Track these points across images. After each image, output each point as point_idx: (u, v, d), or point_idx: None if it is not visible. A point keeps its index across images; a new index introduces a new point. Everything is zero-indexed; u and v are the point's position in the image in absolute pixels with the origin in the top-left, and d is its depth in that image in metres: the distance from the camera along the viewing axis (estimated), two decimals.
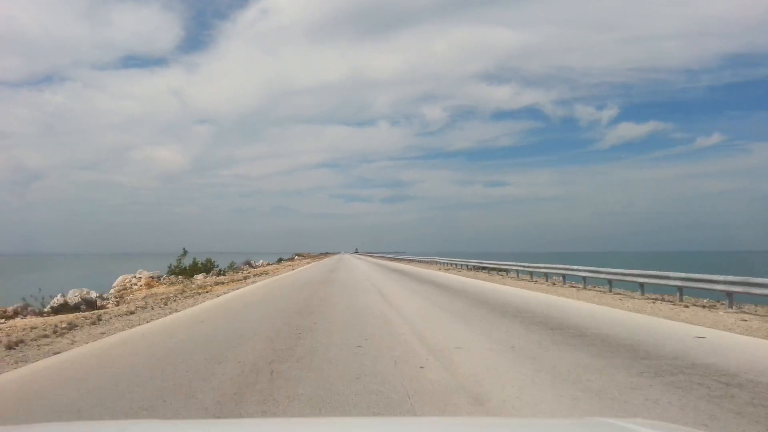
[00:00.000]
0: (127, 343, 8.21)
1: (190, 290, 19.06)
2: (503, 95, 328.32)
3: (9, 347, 7.56)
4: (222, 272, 34.43)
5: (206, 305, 14.03)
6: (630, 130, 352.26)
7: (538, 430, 1.96)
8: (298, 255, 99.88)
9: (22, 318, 11.87)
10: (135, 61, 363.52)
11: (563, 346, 7.47)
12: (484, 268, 33.13)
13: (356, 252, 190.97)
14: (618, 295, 15.73)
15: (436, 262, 48.30)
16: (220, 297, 16.43)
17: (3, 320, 11.33)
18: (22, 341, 8.05)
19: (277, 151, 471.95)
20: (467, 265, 36.60)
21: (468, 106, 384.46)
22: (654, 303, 13.54)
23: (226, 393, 5.08)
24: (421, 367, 6.04)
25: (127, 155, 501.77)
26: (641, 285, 15.40)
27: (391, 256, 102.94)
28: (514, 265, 27.59)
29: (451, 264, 41.79)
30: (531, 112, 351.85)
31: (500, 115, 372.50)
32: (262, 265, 50.79)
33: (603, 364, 6.29)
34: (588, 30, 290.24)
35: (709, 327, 9.40)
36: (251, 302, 14.70)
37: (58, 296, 14.63)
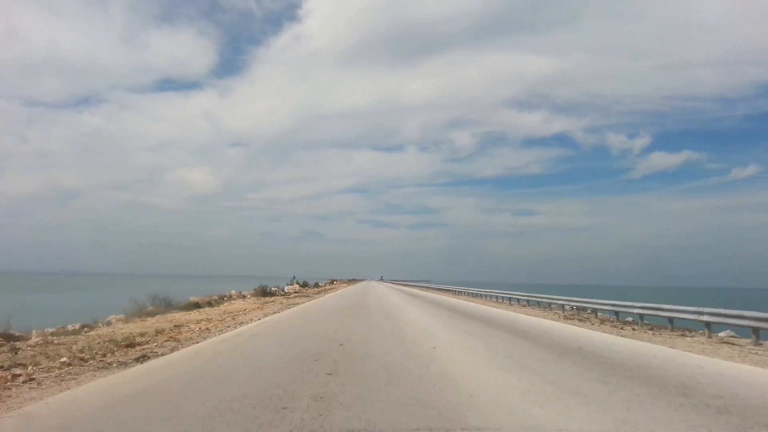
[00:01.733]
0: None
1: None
2: (533, 122, 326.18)
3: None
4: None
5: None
6: (663, 159, 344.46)
7: None
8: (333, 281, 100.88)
9: None
10: (170, 85, 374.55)
11: None
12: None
13: (381, 279, 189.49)
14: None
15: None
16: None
17: None
18: None
19: (306, 175, 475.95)
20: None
21: (497, 133, 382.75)
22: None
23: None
24: None
25: (160, 177, 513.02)
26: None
27: (420, 284, 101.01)
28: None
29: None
30: (561, 139, 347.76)
31: (530, 142, 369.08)
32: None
33: None
34: (621, 57, 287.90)
35: None
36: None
37: None
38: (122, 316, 19.72)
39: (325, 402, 5.91)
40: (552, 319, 20.20)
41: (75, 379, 7.44)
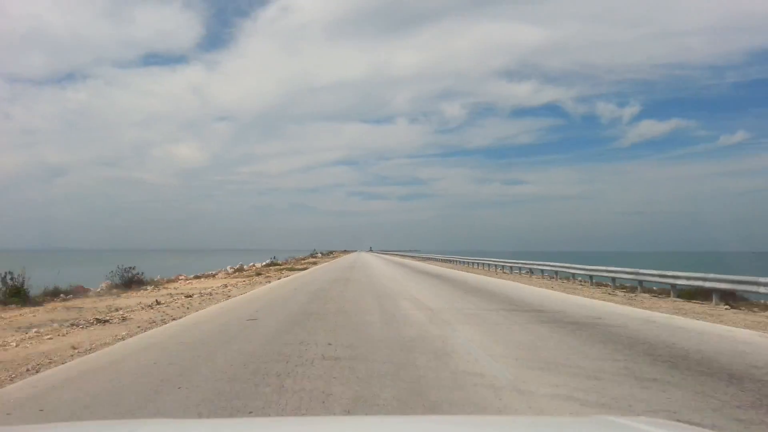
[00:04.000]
0: None
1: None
2: (523, 92, 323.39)
3: None
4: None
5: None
6: (652, 127, 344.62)
7: (541, 428, 1.95)
8: (322, 254, 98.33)
9: None
10: (156, 59, 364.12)
11: None
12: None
13: (370, 250, 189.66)
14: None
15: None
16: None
17: None
18: None
19: (295, 148, 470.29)
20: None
21: (487, 104, 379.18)
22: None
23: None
24: None
25: (147, 152, 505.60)
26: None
27: (408, 254, 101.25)
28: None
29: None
30: (551, 109, 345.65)
31: (520, 112, 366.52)
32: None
33: None
34: (612, 26, 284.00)
35: None
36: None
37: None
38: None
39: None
40: (506, 279, 24.25)
41: None
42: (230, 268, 37.59)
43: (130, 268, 21.99)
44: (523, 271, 29.56)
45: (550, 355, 6.80)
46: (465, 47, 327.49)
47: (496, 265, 33.82)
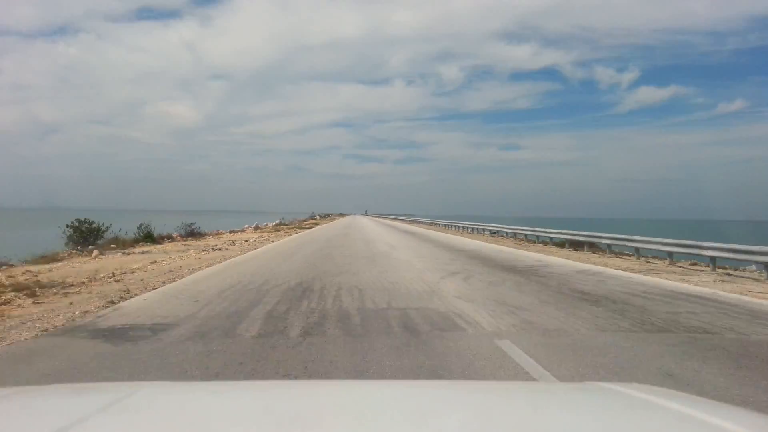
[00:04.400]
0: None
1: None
2: (522, 55, 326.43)
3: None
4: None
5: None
6: (650, 94, 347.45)
7: (534, 393, 1.92)
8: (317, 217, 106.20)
9: None
10: (149, 13, 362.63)
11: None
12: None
13: (366, 214, 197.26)
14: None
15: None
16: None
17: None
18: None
19: (291, 109, 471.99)
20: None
21: (485, 66, 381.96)
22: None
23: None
24: None
25: (141, 110, 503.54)
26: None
27: (401, 218, 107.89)
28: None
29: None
30: (549, 73, 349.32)
31: (518, 76, 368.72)
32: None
33: None
34: None
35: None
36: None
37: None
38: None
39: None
40: (471, 239, 29.31)
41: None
42: (247, 227, 46.39)
43: (192, 223, 31.37)
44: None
45: (428, 252, 16.23)
46: (463, 7, 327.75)
47: (472, 228, 37.79)
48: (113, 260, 16.04)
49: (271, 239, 28.01)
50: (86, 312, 7.40)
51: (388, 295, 8.72)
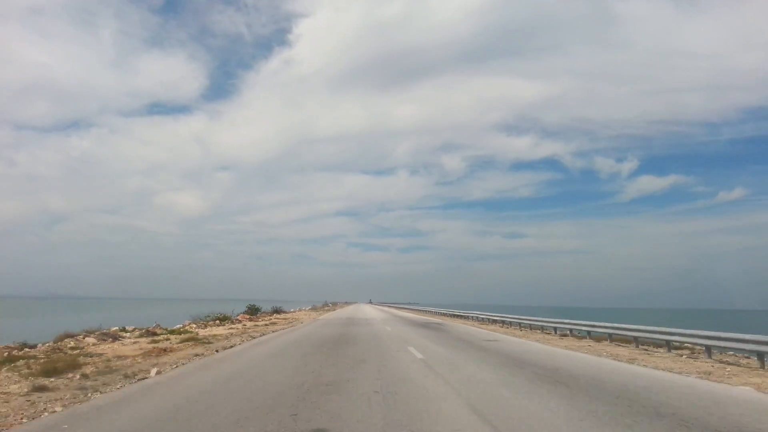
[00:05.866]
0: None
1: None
2: (522, 146, 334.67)
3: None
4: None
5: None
6: (650, 183, 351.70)
7: None
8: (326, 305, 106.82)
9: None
10: (160, 109, 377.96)
11: None
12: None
13: (370, 302, 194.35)
14: None
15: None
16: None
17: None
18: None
19: (296, 198, 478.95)
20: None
21: (487, 156, 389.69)
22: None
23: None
24: None
25: (149, 201, 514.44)
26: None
27: (405, 306, 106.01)
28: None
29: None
30: (550, 163, 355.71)
31: (519, 165, 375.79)
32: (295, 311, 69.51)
33: None
34: (608, 82, 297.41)
35: None
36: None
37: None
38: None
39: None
40: (468, 325, 32.24)
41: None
42: (298, 309, 71.57)
43: (254, 305, 43.53)
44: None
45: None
46: (464, 101, 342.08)
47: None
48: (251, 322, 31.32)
49: (304, 319, 35.53)
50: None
51: None
